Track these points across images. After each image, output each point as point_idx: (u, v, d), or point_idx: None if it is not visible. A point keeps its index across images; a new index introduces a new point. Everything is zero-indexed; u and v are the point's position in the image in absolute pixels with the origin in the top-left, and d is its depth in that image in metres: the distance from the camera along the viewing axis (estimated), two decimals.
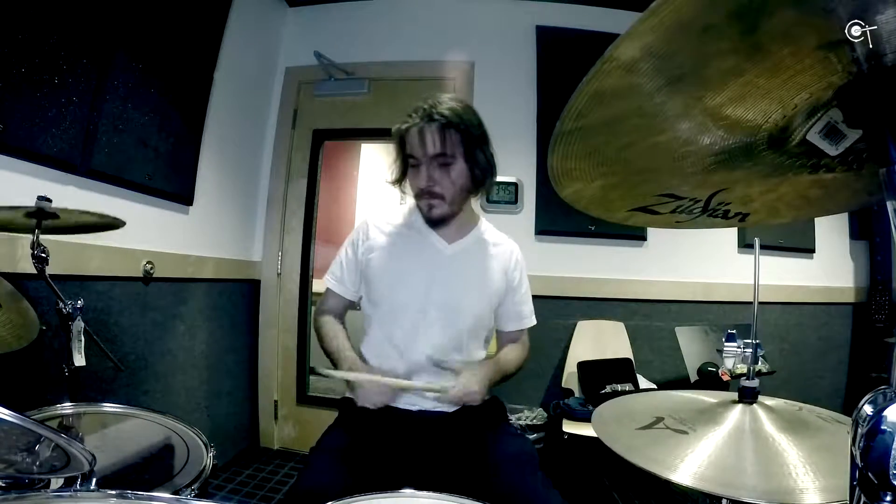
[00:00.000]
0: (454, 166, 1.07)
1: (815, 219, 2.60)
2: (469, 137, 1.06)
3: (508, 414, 1.22)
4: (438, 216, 1.11)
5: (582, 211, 0.61)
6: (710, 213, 0.61)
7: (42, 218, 1.05)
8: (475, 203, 1.23)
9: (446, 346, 1.12)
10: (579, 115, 0.44)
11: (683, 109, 0.45)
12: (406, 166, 1.13)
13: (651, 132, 0.48)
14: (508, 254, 1.22)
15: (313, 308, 2.72)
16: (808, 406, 0.80)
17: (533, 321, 1.26)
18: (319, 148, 2.67)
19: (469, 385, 1.03)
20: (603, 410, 0.83)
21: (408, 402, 1.10)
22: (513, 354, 1.23)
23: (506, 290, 1.20)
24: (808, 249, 2.70)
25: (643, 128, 0.47)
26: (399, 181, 1.17)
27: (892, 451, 0.35)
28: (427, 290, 1.12)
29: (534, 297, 1.28)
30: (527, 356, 1.27)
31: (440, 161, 1.06)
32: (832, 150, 0.47)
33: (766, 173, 0.54)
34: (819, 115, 0.45)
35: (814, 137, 0.46)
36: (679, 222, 0.64)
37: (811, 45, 0.37)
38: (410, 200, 1.19)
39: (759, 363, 1.99)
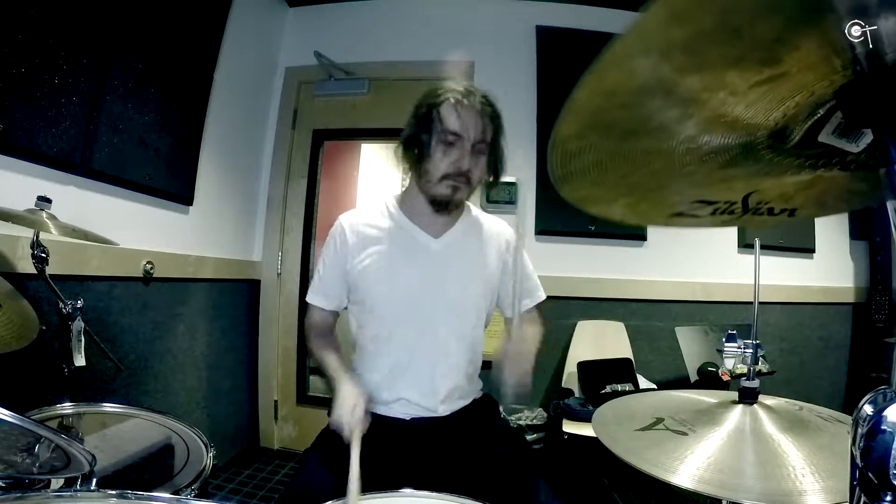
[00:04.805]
0: (484, 156, 1.04)
1: (816, 219, 2.60)
2: (498, 128, 1.05)
3: (507, 414, 1.20)
4: (458, 200, 1.05)
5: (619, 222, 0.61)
6: (754, 211, 0.60)
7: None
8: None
9: (445, 345, 1.07)
10: (579, 153, 0.45)
11: (685, 117, 0.45)
12: (426, 144, 1.01)
13: (656, 153, 0.48)
14: (499, 235, 1.16)
15: None
16: (808, 405, 0.80)
17: (541, 295, 1.18)
18: (319, 148, 2.67)
19: (522, 362, 0.91)
20: (603, 411, 0.83)
21: (400, 412, 1.05)
22: (532, 329, 1.13)
23: (502, 273, 1.14)
24: (808, 249, 2.70)
25: (649, 151, 0.47)
26: (411, 156, 1.05)
27: (893, 451, 0.35)
28: (420, 290, 1.05)
29: None
30: (542, 332, 1.15)
31: (479, 148, 1.01)
32: (853, 148, 0.46)
33: (792, 171, 0.52)
34: (820, 112, 0.45)
35: (830, 138, 0.46)
36: (725, 222, 0.62)
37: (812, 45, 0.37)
38: (383, 198, 1.14)
39: (759, 363, 1.99)
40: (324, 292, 1.13)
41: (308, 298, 1.15)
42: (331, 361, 1.04)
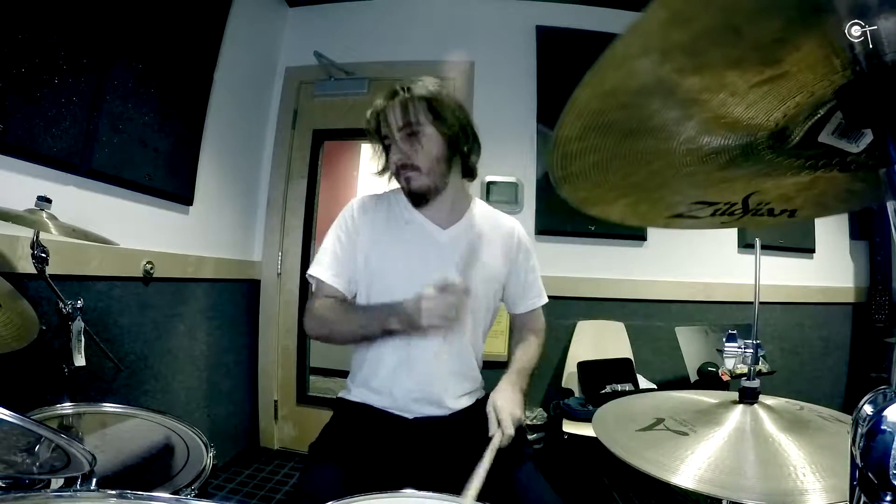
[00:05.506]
0: (423, 134, 1.02)
1: (816, 219, 2.60)
2: (437, 104, 1.03)
3: None
4: (417, 188, 1.05)
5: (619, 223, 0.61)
6: (754, 212, 0.60)
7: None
8: (465, 183, 1.16)
9: (450, 340, 1.06)
10: (580, 154, 0.45)
11: (685, 117, 0.45)
12: (386, 152, 1.09)
13: (657, 154, 0.48)
14: (509, 233, 1.16)
15: None
16: (808, 405, 0.80)
17: (543, 299, 1.21)
18: (319, 148, 2.67)
19: (514, 415, 0.96)
20: (604, 412, 0.83)
21: (403, 410, 1.05)
22: (530, 350, 1.17)
23: (508, 271, 1.15)
24: (808, 249, 2.70)
25: (649, 151, 0.47)
26: (384, 170, 1.13)
27: (892, 451, 0.35)
28: (424, 282, 1.01)
29: None
30: (543, 338, 1.22)
31: (407, 131, 1.02)
32: (853, 148, 0.46)
33: (792, 172, 0.53)
34: (820, 113, 0.45)
35: (830, 138, 0.46)
36: (725, 223, 0.62)
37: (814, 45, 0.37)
38: (394, 188, 1.15)
39: (760, 363, 1.99)
40: (337, 272, 1.07)
41: (318, 273, 1.07)
42: (374, 307, 1.04)
